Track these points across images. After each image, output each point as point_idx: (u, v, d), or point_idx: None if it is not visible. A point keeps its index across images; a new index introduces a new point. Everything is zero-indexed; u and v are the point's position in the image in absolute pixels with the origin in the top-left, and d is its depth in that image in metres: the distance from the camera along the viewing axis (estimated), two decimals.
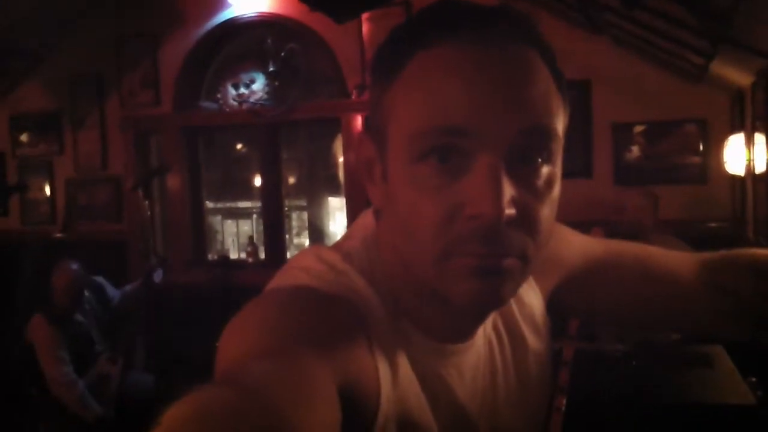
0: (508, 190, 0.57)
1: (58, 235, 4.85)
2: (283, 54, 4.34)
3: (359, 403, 0.62)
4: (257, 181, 5.05)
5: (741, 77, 2.92)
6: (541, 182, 0.61)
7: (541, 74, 0.61)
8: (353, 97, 4.14)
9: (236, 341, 0.61)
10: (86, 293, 3.36)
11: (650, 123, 3.69)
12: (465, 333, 0.73)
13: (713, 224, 3.58)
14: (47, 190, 5.02)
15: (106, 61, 4.74)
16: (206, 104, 4.66)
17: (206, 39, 4.51)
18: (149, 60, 4.63)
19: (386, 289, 0.70)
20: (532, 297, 0.83)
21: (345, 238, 0.77)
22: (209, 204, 5.10)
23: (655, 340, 2.68)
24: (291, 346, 0.58)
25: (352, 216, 4.31)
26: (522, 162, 0.59)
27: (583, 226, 2.55)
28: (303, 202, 6.11)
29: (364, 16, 4.06)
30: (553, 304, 0.87)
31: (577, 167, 3.81)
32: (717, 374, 2.42)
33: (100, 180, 4.85)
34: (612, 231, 3.10)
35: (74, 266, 3.31)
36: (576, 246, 0.89)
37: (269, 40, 4.39)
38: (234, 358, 0.58)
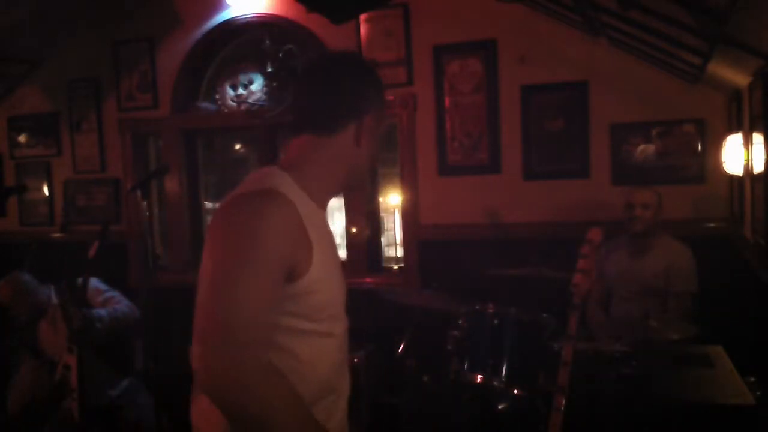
0: None
1: (57, 235, 4.85)
2: (281, 55, 4.34)
3: (303, 259, 1.27)
4: None
5: (738, 77, 2.92)
6: None
7: None
8: None
9: (227, 250, 1.22)
10: (54, 297, 3.39)
11: (648, 123, 3.69)
12: (325, 207, 1.47)
13: (711, 224, 3.59)
14: (45, 191, 5.02)
15: (103, 63, 4.74)
16: (204, 105, 4.66)
17: (204, 40, 4.51)
18: (147, 62, 4.63)
19: (309, 187, 1.38)
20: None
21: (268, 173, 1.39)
22: (208, 205, 5.10)
23: (655, 340, 2.68)
24: (261, 258, 1.20)
25: (350, 215, 4.31)
26: None
27: (582, 225, 2.54)
28: None
29: (362, 17, 4.06)
30: None
31: (574, 168, 3.81)
32: (716, 374, 2.43)
33: (98, 181, 4.85)
34: (612, 231, 3.11)
35: (24, 277, 3.37)
36: None
37: (267, 41, 4.39)
38: (226, 269, 1.19)
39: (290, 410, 1.20)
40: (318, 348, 1.35)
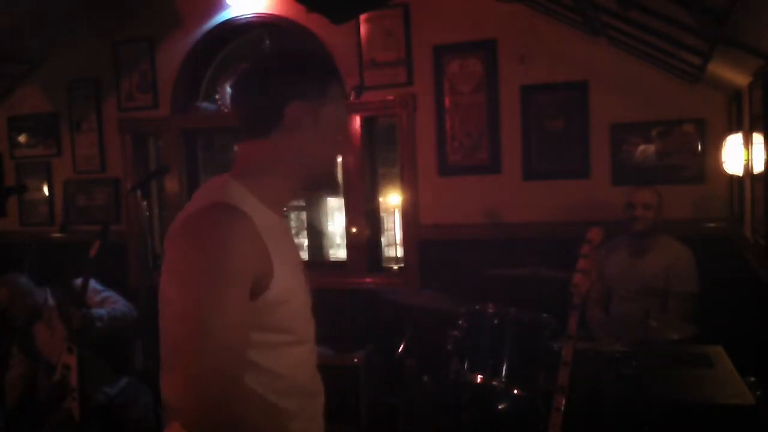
0: None
1: (57, 235, 4.85)
2: None
3: (265, 272, 1.21)
4: None
5: (739, 77, 2.92)
6: None
7: None
8: (351, 98, 4.14)
9: (189, 275, 1.16)
10: (50, 299, 3.40)
11: (648, 123, 3.69)
12: (282, 211, 1.40)
13: (711, 224, 3.59)
14: (45, 191, 5.02)
15: (103, 63, 4.74)
16: (204, 105, 4.66)
17: (204, 40, 4.51)
18: (147, 62, 4.63)
19: (262, 193, 1.31)
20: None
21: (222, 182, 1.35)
22: None
23: (655, 340, 2.69)
24: (227, 276, 1.15)
25: (350, 215, 4.31)
26: None
27: (582, 225, 2.53)
28: (301, 203, 6.12)
29: (362, 17, 4.06)
30: None
31: (574, 168, 3.81)
32: (716, 374, 2.42)
33: (98, 181, 4.85)
34: (612, 231, 3.11)
35: (21, 278, 3.39)
36: None
37: (267, 41, 4.39)
38: (195, 294, 1.14)
39: None
40: (295, 358, 1.32)
